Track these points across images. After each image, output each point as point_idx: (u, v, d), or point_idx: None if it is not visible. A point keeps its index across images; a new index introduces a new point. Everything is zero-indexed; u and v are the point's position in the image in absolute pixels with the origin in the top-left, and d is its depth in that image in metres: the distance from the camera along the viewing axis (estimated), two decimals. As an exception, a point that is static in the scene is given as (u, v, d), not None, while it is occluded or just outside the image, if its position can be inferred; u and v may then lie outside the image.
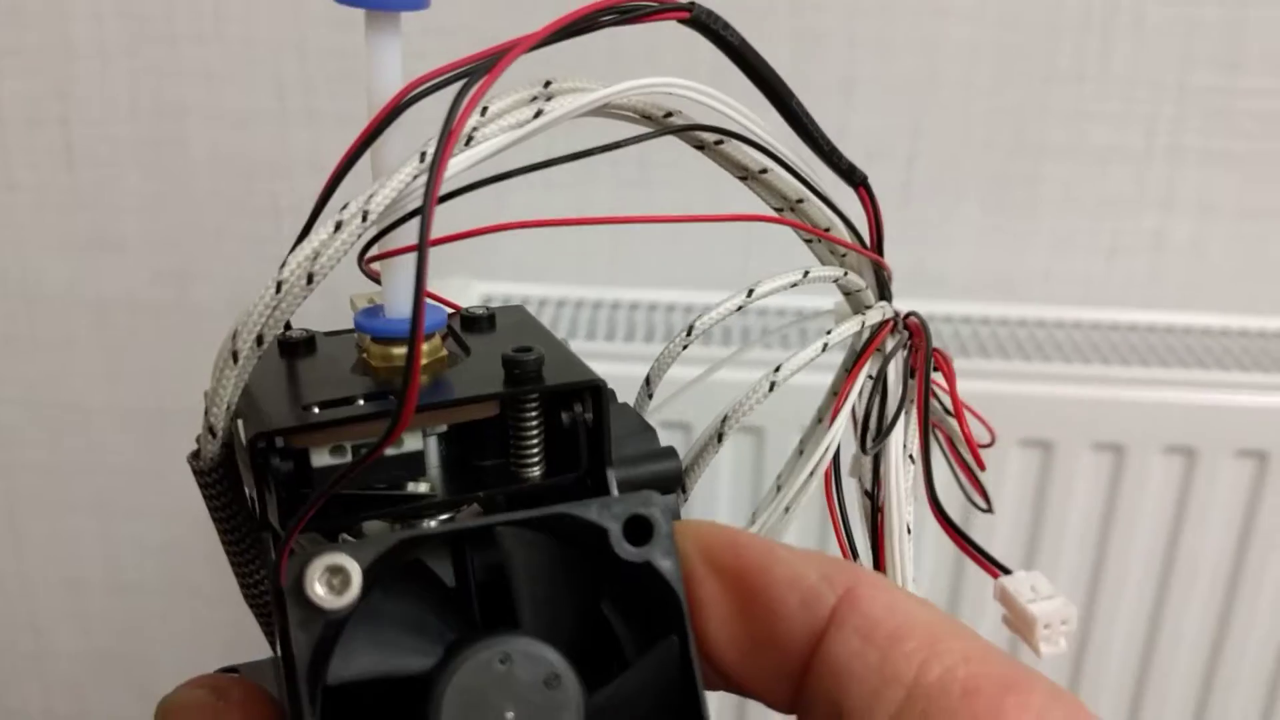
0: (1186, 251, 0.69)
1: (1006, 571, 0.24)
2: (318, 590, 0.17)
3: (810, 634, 0.18)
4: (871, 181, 0.26)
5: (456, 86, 0.20)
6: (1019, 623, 0.22)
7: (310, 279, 0.20)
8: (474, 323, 0.24)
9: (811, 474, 0.27)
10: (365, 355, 0.22)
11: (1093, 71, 0.65)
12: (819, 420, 0.29)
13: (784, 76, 0.24)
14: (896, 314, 0.28)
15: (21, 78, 0.68)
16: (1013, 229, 0.69)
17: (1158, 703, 0.67)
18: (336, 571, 0.17)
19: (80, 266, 0.72)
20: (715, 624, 0.19)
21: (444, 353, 0.22)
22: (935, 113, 0.66)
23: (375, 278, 0.23)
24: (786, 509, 0.27)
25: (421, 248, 0.17)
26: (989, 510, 0.27)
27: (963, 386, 0.60)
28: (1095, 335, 0.66)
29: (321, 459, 0.20)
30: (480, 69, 0.19)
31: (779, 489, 0.28)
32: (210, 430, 0.20)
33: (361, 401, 0.20)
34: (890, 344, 0.27)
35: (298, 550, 0.18)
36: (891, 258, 0.27)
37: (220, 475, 0.21)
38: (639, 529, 0.19)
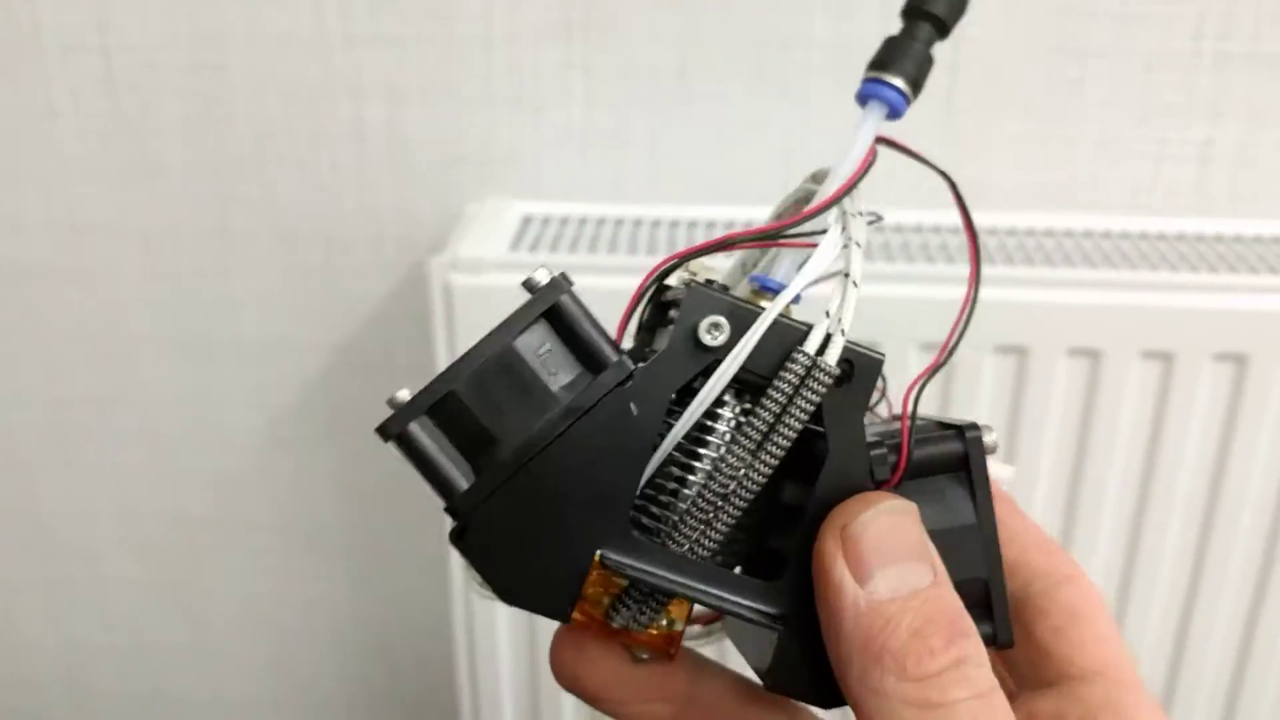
0: (1234, 159, 0.68)
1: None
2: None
3: None
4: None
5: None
6: None
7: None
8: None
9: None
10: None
11: (1139, -29, 0.64)
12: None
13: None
14: None
15: (60, 9, 0.68)
16: (1057, 137, 0.68)
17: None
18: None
19: (123, 195, 0.73)
20: None
21: None
22: (976, 20, 0.65)
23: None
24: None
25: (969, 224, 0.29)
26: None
27: (1007, 296, 0.60)
28: (1143, 245, 0.66)
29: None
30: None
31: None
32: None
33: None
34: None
35: None
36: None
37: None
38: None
